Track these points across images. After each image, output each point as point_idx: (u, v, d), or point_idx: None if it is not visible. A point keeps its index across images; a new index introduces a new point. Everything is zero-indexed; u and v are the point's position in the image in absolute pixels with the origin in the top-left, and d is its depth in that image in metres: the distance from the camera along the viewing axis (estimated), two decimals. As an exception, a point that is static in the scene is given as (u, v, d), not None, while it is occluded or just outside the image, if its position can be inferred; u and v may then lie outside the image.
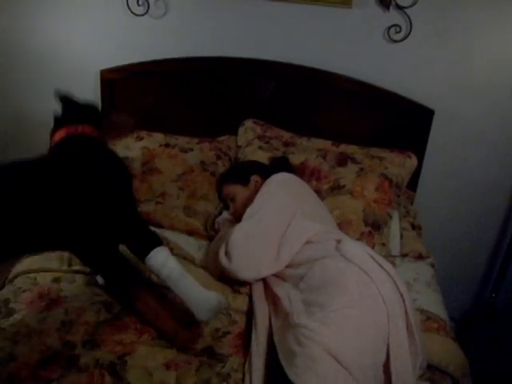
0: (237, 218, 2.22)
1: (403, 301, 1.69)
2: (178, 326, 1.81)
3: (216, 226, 2.31)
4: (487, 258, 2.90)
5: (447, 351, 1.83)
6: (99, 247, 1.83)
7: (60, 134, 1.94)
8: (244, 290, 2.00)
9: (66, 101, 2.07)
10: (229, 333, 1.84)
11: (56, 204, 1.69)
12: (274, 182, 2.16)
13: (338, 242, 1.89)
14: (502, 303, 2.79)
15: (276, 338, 1.74)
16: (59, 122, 2.01)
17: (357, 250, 1.82)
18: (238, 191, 2.29)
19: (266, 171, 2.28)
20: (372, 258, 1.78)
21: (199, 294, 1.79)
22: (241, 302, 1.96)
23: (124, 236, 1.89)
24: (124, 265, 1.87)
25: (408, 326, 1.66)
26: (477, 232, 2.85)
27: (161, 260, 1.78)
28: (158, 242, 1.83)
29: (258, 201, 2.09)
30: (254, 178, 2.29)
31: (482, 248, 2.89)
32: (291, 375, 1.52)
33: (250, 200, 2.15)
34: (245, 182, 2.30)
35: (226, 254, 1.98)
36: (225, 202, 2.38)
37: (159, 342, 1.75)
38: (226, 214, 2.32)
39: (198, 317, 1.78)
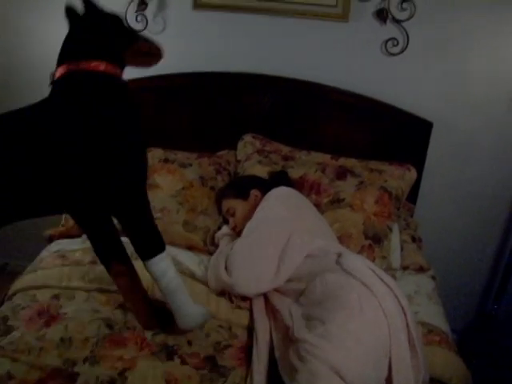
0: (237, 232, 2.22)
1: (404, 314, 1.68)
2: (150, 312, 1.87)
3: (216, 240, 2.30)
4: (488, 269, 2.89)
5: (449, 364, 1.82)
6: (95, 212, 1.80)
7: (60, 72, 1.68)
8: (244, 304, 1.99)
9: (75, 18, 1.74)
10: (230, 346, 1.83)
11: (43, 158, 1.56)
12: (274, 196, 2.16)
13: (339, 255, 1.89)
14: (503, 315, 2.77)
15: (277, 353, 1.73)
16: (64, 55, 1.71)
17: (357, 263, 1.81)
18: (238, 206, 2.29)
19: (265, 186, 2.29)
20: (373, 271, 1.78)
21: (188, 307, 1.79)
22: (241, 317, 1.95)
23: (125, 217, 1.77)
24: (114, 237, 1.87)
25: (410, 340, 1.65)
26: (477, 243, 2.85)
27: (162, 268, 1.74)
28: (162, 246, 1.77)
29: (257, 215, 2.10)
30: (254, 193, 2.29)
31: (482, 259, 2.87)
32: None
33: (249, 214, 2.16)
34: (244, 196, 2.30)
35: (226, 269, 1.98)
36: (224, 216, 2.38)
37: (159, 356, 1.74)
38: (225, 229, 2.31)
39: (179, 326, 1.80)
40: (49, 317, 1.87)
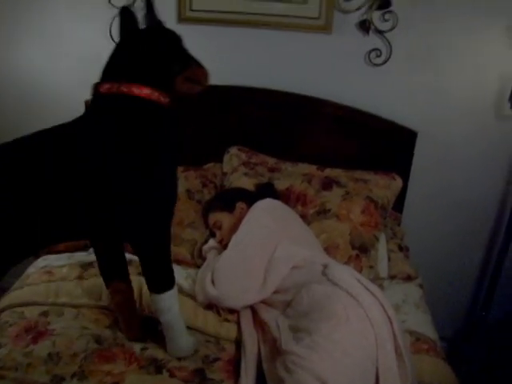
0: (224, 245, 2.22)
1: (391, 323, 1.68)
2: (138, 324, 1.91)
3: (203, 254, 2.29)
4: (476, 276, 2.91)
5: (438, 372, 1.84)
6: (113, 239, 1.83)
7: (106, 88, 1.59)
8: (232, 317, 1.98)
9: (132, 24, 1.63)
10: (219, 359, 1.83)
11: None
12: (259, 208, 2.17)
13: (325, 266, 1.90)
14: (492, 321, 2.78)
15: (265, 366, 1.73)
16: (114, 69, 1.62)
17: (343, 274, 1.82)
18: (224, 219, 2.29)
19: (251, 198, 2.29)
20: (358, 281, 1.78)
21: (182, 340, 1.81)
22: (229, 330, 1.95)
23: (140, 249, 1.73)
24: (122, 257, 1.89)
25: (396, 349, 1.65)
26: (464, 251, 2.86)
27: (168, 305, 1.75)
28: (173, 283, 1.76)
29: (242, 228, 2.10)
30: (240, 205, 2.29)
31: (470, 266, 2.89)
32: None
33: (236, 227, 2.16)
34: (230, 209, 2.30)
35: (213, 282, 1.98)
36: (211, 230, 2.37)
37: (148, 369, 1.74)
38: (212, 242, 2.30)
39: (169, 353, 1.81)
40: (36, 333, 1.87)
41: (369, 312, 1.66)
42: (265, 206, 2.19)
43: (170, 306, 1.75)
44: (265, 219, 2.11)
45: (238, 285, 1.96)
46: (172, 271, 1.76)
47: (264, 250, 2.01)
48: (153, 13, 1.69)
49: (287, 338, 1.70)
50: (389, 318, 1.69)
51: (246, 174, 2.56)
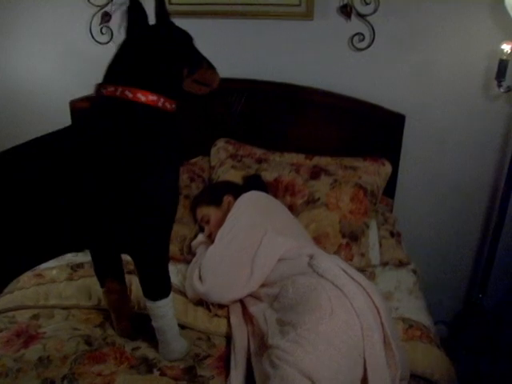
0: (212, 240, 2.19)
1: (378, 313, 1.66)
2: (130, 321, 1.90)
3: (192, 249, 2.28)
4: (472, 259, 2.88)
5: (431, 359, 1.81)
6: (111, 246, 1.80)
7: (110, 91, 1.51)
8: (222, 313, 1.97)
9: (142, 21, 1.55)
10: (209, 356, 1.82)
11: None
12: (243, 201, 2.16)
13: (311, 257, 1.87)
14: (489, 303, 2.76)
15: (253, 360, 1.72)
16: (120, 71, 1.55)
17: (328, 264, 1.80)
18: (212, 213, 2.27)
19: (238, 191, 2.27)
20: (344, 271, 1.76)
21: (174, 344, 1.79)
22: (220, 326, 1.94)
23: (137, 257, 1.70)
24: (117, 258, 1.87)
25: (385, 338, 1.63)
26: (459, 234, 2.84)
27: (162, 312, 1.73)
28: (168, 291, 1.74)
29: (228, 222, 2.09)
30: (227, 199, 2.27)
31: (466, 249, 2.87)
32: None
33: (223, 221, 2.14)
34: (218, 203, 2.28)
35: (200, 277, 1.96)
36: (200, 224, 2.36)
37: (139, 369, 1.74)
38: (201, 237, 2.29)
39: (161, 355, 1.80)
40: (27, 337, 1.87)
41: (354, 302, 1.63)
42: (249, 198, 2.18)
43: (165, 314, 1.74)
44: (249, 212, 2.10)
45: (224, 279, 1.95)
46: (169, 280, 1.75)
47: (250, 242, 1.99)
48: (163, 8, 1.62)
49: (274, 331, 1.68)
50: (376, 307, 1.67)
51: (233, 167, 2.54)
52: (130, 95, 1.50)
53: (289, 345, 1.55)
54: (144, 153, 1.54)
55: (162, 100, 1.54)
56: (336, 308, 1.61)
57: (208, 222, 2.28)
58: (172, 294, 1.75)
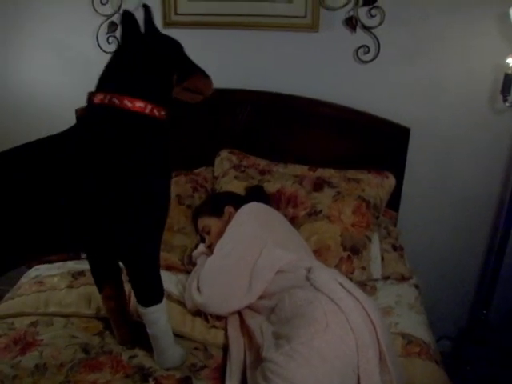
0: (212, 250, 2.19)
1: (374, 329, 1.65)
2: (129, 329, 1.90)
3: (193, 259, 2.27)
4: (477, 274, 2.85)
5: (429, 376, 1.79)
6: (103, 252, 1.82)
7: (99, 98, 1.54)
8: (220, 324, 1.97)
9: (134, 31, 1.57)
10: (206, 366, 1.81)
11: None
12: (244, 212, 2.15)
13: (309, 270, 1.86)
14: (494, 319, 2.73)
15: (248, 373, 1.71)
16: (110, 79, 1.59)
17: (325, 278, 1.79)
18: (213, 223, 2.26)
19: (240, 201, 2.26)
20: (342, 285, 1.75)
21: (169, 351, 1.79)
22: (217, 337, 1.94)
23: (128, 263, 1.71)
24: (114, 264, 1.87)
25: (380, 355, 1.62)
26: (465, 248, 2.81)
27: (154, 318, 1.73)
28: (160, 297, 1.74)
29: (227, 233, 2.09)
30: (228, 210, 2.26)
31: (471, 264, 2.84)
32: None
33: (224, 232, 2.13)
34: (219, 213, 2.27)
35: (198, 288, 1.96)
36: (201, 234, 2.35)
37: (134, 378, 1.73)
38: (202, 248, 2.28)
39: (157, 363, 1.79)
40: (25, 344, 1.88)
41: (350, 317, 1.62)
42: (249, 210, 2.17)
43: (157, 320, 1.74)
44: (249, 223, 2.09)
45: (222, 291, 1.94)
46: (161, 286, 1.74)
47: (248, 254, 1.98)
48: (150, 20, 1.65)
49: (269, 345, 1.67)
50: (372, 322, 1.65)
51: (236, 178, 2.53)
52: (117, 102, 1.53)
53: (282, 358, 1.54)
54: (131, 159, 1.55)
55: (149, 107, 1.56)
56: (331, 323, 1.60)
57: (209, 232, 2.27)
58: (165, 301, 1.75)
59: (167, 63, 1.63)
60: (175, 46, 1.68)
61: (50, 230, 1.49)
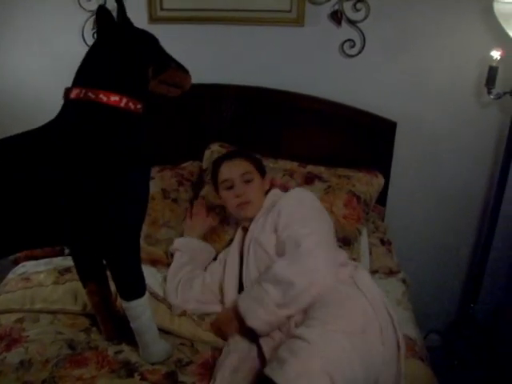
0: (244, 209, 2.10)
1: (398, 348, 1.67)
2: (115, 324, 1.89)
3: (169, 252, 2.23)
4: (465, 268, 2.86)
5: (414, 373, 1.77)
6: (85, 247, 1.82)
7: (75, 93, 1.55)
8: (206, 326, 1.95)
9: (108, 26, 1.57)
10: (192, 362, 1.81)
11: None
12: (308, 200, 2.07)
13: (354, 268, 1.88)
14: (481, 313, 2.74)
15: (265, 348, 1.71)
16: (85, 74, 1.59)
17: (369, 284, 1.81)
18: (257, 178, 2.12)
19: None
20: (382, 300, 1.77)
21: (154, 346, 1.79)
22: (204, 334, 1.93)
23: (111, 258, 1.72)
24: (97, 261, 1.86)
25: (399, 373, 1.64)
26: (452, 242, 2.82)
27: (137, 313, 1.73)
28: (142, 292, 1.74)
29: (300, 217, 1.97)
30: (268, 177, 2.17)
31: (458, 259, 2.84)
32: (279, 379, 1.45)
33: (263, 198, 2.09)
34: (263, 174, 2.17)
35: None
36: (225, 183, 2.14)
37: (119, 373, 1.74)
38: (179, 242, 2.22)
39: (143, 358, 1.79)
40: (10, 340, 1.87)
41: (384, 330, 1.64)
42: (309, 196, 2.10)
43: (139, 315, 1.73)
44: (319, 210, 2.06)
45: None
46: (142, 280, 1.74)
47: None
48: (124, 14, 1.65)
49: (298, 322, 1.69)
50: (398, 343, 1.68)
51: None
52: (93, 96, 1.53)
53: (314, 336, 1.52)
54: (106, 153, 1.55)
55: (124, 100, 1.56)
56: (367, 329, 1.61)
57: (250, 181, 2.09)
58: (147, 295, 1.75)
59: (142, 56, 1.63)
60: (150, 39, 1.68)
61: (27, 225, 1.50)
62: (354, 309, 1.65)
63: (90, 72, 1.59)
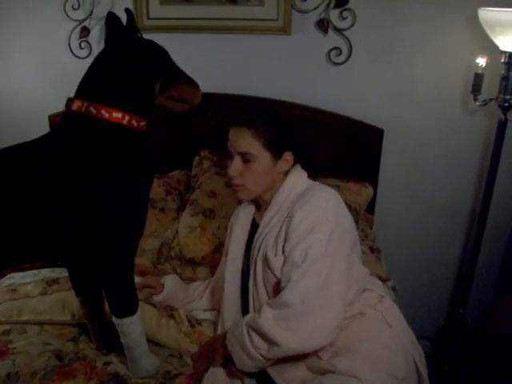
0: (237, 191, 1.77)
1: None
2: (106, 334, 1.85)
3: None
4: (453, 274, 2.87)
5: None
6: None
7: (77, 105, 1.48)
8: (193, 336, 1.92)
9: (118, 33, 1.50)
10: (181, 374, 1.79)
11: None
12: (330, 213, 1.66)
13: (379, 298, 1.81)
14: (470, 318, 2.75)
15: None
16: (89, 86, 1.52)
17: (400, 319, 1.80)
18: (262, 158, 1.67)
19: (300, 152, 1.76)
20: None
21: (143, 361, 1.76)
22: (193, 346, 1.90)
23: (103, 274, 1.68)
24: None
25: None
26: (441, 249, 2.82)
27: (129, 329, 1.71)
28: (135, 309, 1.70)
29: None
30: (286, 156, 1.72)
31: (447, 264, 2.85)
32: None
33: (269, 183, 1.72)
34: (276, 154, 1.69)
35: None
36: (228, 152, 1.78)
37: (107, 385, 1.72)
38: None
39: (131, 372, 1.77)
40: (-4, 353, 1.84)
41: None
42: (334, 195, 1.76)
43: (131, 331, 1.71)
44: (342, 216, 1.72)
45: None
46: (135, 297, 1.71)
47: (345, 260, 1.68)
48: (133, 24, 1.59)
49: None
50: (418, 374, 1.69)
51: (218, 173, 2.51)
52: (94, 111, 1.47)
53: (368, 376, 1.45)
54: (105, 171, 1.51)
55: (127, 118, 1.50)
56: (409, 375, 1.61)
57: (250, 161, 1.68)
58: (140, 312, 1.73)
59: (150, 71, 1.55)
60: (159, 52, 1.60)
61: (23, 240, 1.49)
62: (396, 351, 1.61)
63: (94, 84, 1.52)
